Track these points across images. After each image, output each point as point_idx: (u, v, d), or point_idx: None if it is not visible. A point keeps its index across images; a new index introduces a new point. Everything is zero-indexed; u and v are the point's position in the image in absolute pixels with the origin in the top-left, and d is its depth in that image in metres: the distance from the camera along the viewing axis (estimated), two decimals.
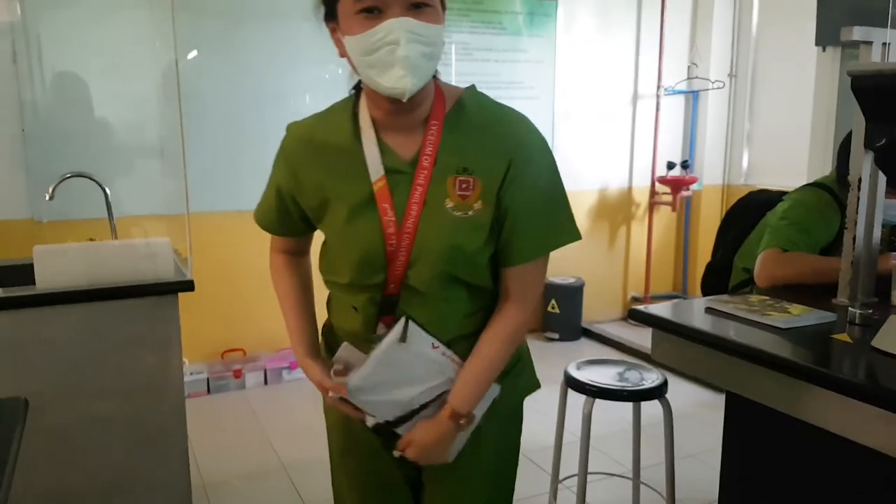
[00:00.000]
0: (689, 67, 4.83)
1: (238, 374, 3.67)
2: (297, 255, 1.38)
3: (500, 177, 1.10)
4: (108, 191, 2.30)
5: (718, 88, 4.75)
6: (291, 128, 1.22)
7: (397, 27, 0.97)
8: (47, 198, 2.14)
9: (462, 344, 1.19)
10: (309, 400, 3.53)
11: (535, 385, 1.36)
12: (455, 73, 4.08)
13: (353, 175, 1.10)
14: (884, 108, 1.52)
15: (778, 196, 2.32)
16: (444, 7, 1.07)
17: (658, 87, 4.78)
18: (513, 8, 4.23)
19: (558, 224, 1.17)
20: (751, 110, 4.85)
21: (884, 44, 1.66)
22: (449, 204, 1.09)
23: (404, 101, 1.02)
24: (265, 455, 2.98)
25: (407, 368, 1.16)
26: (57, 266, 1.86)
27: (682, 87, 4.84)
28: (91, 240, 2.25)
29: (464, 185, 1.09)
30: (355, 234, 1.11)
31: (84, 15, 3.30)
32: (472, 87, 1.18)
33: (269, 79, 3.69)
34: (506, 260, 1.15)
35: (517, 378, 1.30)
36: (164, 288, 1.97)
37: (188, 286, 2.00)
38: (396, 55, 0.97)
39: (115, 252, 1.94)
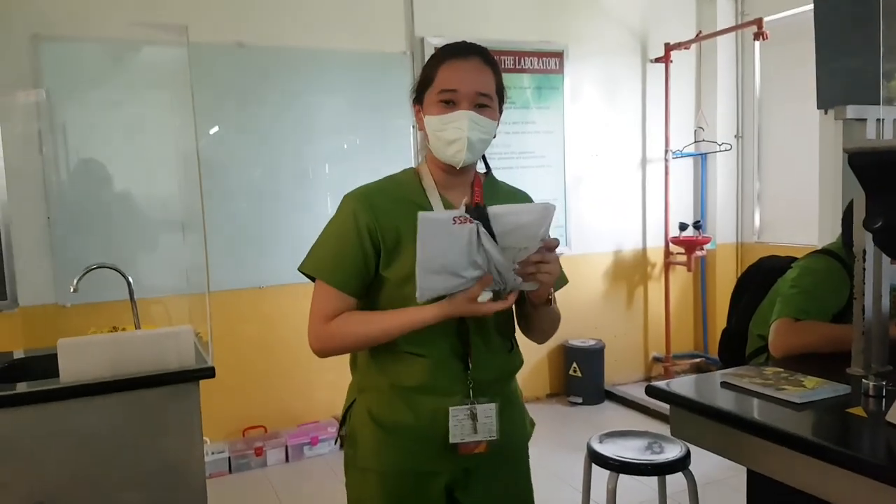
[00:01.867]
0: (695, 131, 4.93)
1: (259, 452, 3.67)
2: None
3: None
4: (130, 280, 2.37)
5: (726, 150, 4.83)
6: (360, 189, 1.45)
7: (464, 117, 1.34)
8: (72, 290, 2.21)
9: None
10: (330, 476, 3.51)
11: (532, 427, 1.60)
12: None
13: None
14: (882, 182, 1.56)
15: (788, 261, 2.34)
16: (501, 109, 1.44)
17: (666, 151, 4.86)
18: (521, 83, 4.37)
19: None
20: (759, 170, 4.91)
21: (878, 120, 1.71)
22: None
23: (458, 167, 1.39)
24: None
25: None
26: (81, 358, 1.91)
27: (690, 149, 4.92)
28: (114, 328, 2.31)
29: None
30: None
31: (107, 98, 3.46)
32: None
33: (289, 152, 3.83)
34: None
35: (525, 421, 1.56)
36: (185, 376, 2.01)
37: (209, 373, 2.04)
38: (460, 135, 1.34)
39: (138, 343, 1.99)
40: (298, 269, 1.42)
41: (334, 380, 3.93)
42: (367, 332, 1.37)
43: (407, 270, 1.34)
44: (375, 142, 4.00)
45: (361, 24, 3.97)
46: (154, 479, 2.01)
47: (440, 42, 4.40)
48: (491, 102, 1.39)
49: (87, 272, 2.26)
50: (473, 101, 1.35)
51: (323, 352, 1.40)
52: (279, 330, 3.83)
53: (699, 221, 4.93)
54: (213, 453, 3.56)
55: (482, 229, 1.22)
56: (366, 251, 1.37)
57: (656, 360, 5.01)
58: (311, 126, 3.86)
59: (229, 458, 3.61)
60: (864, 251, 1.72)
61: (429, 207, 1.40)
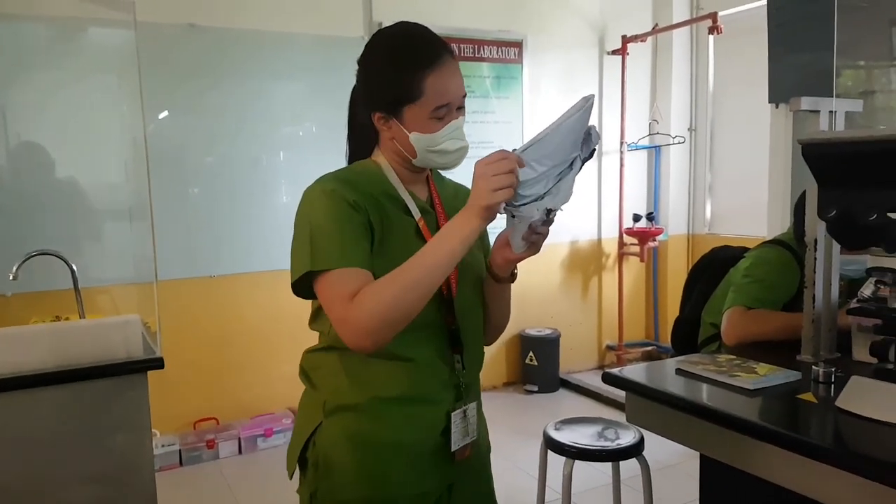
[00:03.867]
0: (650, 124, 5.00)
1: (211, 444, 3.59)
2: None
3: None
4: (74, 267, 2.27)
5: (679, 143, 4.90)
6: (329, 175, 1.29)
7: (461, 125, 1.26)
8: (11, 277, 2.11)
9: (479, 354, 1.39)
10: (284, 468, 3.46)
11: None
12: None
13: (399, 214, 1.28)
14: (834, 174, 1.59)
15: (740, 252, 2.39)
16: None
17: (621, 143, 4.91)
18: (480, 72, 4.36)
19: None
20: (711, 162, 5.01)
21: (830, 112, 1.75)
22: None
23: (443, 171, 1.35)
24: None
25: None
26: (21, 349, 1.82)
27: (645, 142, 4.99)
28: (57, 318, 2.22)
29: None
30: None
31: (50, 79, 3.31)
32: None
33: (242, 138, 3.73)
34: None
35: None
36: (132, 367, 1.92)
37: (158, 364, 1.96)
38: (458, 146, 1.26)
39: (82, 333, 1.90)
40: (301, 274, 1.19)
41: (289, 370, 3.86)
42: (412, 278, 1.12)
43: (395, 262, 1.18)
44: (332, 129, 3.90)
45: (317, 7, 3.89)
46: (101, 474, 1.93)
47: None
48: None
49: (28, 259, 2.16)
50: (459, 104, 1.27)
51: (369, 334, 1.12)
52: (231, 320, 3.75)
53: (652, 213, 5.00)
54: (163, 446, 3.47)
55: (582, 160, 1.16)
56: (365, 225, 1.21)
57: (609, 348, 5.09)
58: (265, 112, 3.77)
59: (180, 450, 3.53)
60: (816, 241, 1.76)
61: (399, 201, 1.30)
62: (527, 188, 1.12)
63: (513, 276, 1.33)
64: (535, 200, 1.15)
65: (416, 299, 1.13)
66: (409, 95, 1.22)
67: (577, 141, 1.15)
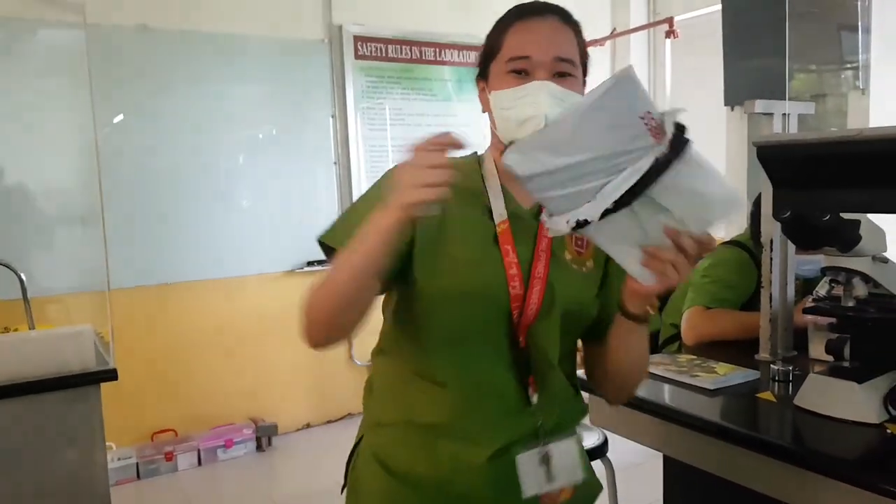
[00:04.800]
0: None
1: (170, 457, 3.50)
2: None
3: None
4: (23, 276, 2.19)
5: None
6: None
7: (541, 89, 1.03)
8: None
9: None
10: (245, 479, 3.39)
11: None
12: (390, 138, 4.15)
13: (476, 216, 1.11)
14: (788, 175, 1.61)
15: None
16: (585, 81, 1.13)
17: None
18: (441, 76, 4.35)
19: None
20: None
21: (784, 114, 1.78)
22: (567, 256, 1.13)
23: None
24: None
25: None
26: None
27: None
28: (5, 329, 2.14)
29: (579, 242, 1.14)
30: (476, 272, 1.06)
31: None
32: None
33: (200, 143, 3.66)
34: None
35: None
36: (85, 379, 1.87)
37: (111, 375, 1.91)
38: (535, 112, 1.02)
39: (32, 344, 1.84)
40: (318, 240, 1.08)
41: (250, 380, 3.82)
42: (335, 279, 0.97)
43: (453, 269, 1.05)
44: (293, 132, 3.88)
45: (276, 9, 3.83)
46: (52, 490, 1.87)
47: (359, 30, 4.34)
48: (574, 70, 1.08)
49: None
50: (552, 69, 1.06)
51: (305, 329, 1.00)
52: (189, 328, 3.67)
53: None
54: (119, 459, 3.37)
55: (664, 162, 0.87)
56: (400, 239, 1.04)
57: None
58: (223, 115, 3.70)
59: (137, 463, 3.43)
60: (772, 241, 1.79)
61: (485, 197, 1.12)
62: (544, 184, 0.89)
63: (646, 316, 1.05)
64: (586, 205, 0.89)
65: (337, 301, 0.97)
66: (493, 49, 1.12)
67: (628, 128, 0.87)
